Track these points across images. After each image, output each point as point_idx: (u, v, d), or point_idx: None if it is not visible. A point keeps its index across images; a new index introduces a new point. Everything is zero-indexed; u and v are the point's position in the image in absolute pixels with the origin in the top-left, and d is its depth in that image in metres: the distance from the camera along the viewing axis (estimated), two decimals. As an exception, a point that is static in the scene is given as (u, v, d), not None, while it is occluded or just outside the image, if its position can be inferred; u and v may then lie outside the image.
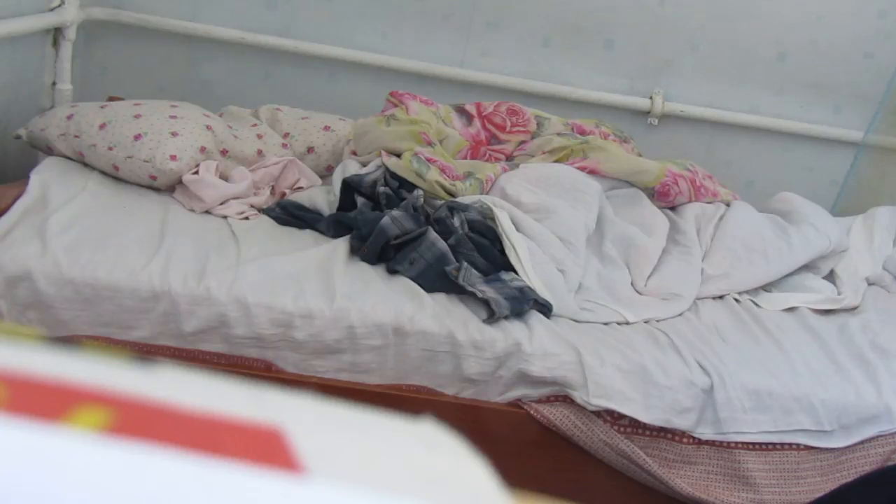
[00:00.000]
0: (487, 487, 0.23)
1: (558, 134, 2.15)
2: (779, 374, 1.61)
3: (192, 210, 1.78)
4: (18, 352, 0.22)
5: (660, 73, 2.54)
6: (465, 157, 2.09)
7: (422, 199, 1.80)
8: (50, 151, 1.89)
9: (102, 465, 0.18)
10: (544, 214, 1.83)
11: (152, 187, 1.82)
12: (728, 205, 2.13)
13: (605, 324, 1.69)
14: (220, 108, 2.13)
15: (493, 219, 1.77)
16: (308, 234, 1.77)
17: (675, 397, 1.53)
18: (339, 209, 1.83)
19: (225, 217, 1.78)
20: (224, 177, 1.87)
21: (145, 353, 1.48)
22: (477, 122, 2.19)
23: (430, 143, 1.95)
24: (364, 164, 1.94)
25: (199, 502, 0.18)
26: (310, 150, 2.06)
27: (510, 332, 1.54)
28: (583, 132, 2.19)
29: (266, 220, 1.80)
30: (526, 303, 1.59)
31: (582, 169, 1.98)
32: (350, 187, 1.83)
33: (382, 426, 0.24)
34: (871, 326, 1.82)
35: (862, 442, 1.60)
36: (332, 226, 1.78)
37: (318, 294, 1.52)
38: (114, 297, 1.47)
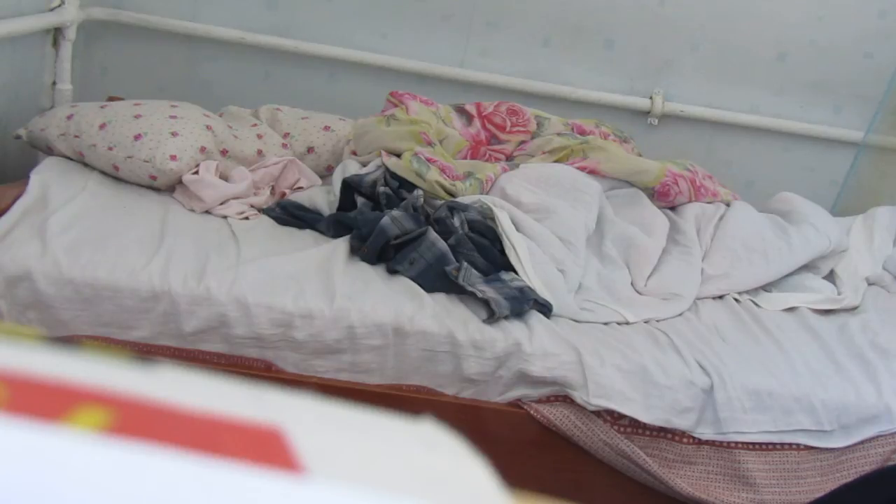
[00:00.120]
0: (487, 487, 0.23)
1: (558, 134, 2.15)
2: (779, 374, 1.61)
3: (192, 210, 1.78)
4: (18, 352, 0.22)
5: (660, 73, 2.54)
6: (465, 157, 2.09)
7: (422, 199, 1.80)
8: (50, 151, 1.89)
9: (102, 465, 0.18)
10: (544, 214, 1.83)
11: (152, 187, 1.82)
12: (728, 205, 2.13)
13: (605, 324, 1.69)
14: (220, 108, 2.13)
15: (493, 219, 1.77)
16: (308, 234, 1.77)
17: (675, 397, 1.53)
18: (339, 209, 1.83)
19: (225, 217, 1.78)
20: (224, 177, 1.87)
21: (145, 353, 1.48)
22: (477, 122, 2.19)
23: (430, 143, 1.95)
24: (364, 164, 1.94)
25: (199, 502, 0.18)
26: (310, 150, 2.06)
27: (510, 332, 1.54)
28: (583, 132, 2.19)
29: (266, 220, 1.80)
30: (526, 303, 1.59)
31: (582, 169, 1.98)
32: (350, 187, 1.83)
33: (382, 426, 0.24)
34: (871, 326, 1.82)
35: (862, 442, 1.60)
36: (332, 226, 1.78)
37: (318, 294, 1.52)
38: (114, 297, 1.47)
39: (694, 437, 1.56)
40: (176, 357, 1.49)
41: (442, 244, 1.65)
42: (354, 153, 2.02)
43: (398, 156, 1.89)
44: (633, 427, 1.55)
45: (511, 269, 1.69)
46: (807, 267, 2.04)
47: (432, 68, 2.46)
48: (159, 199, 1.79)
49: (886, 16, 2.49)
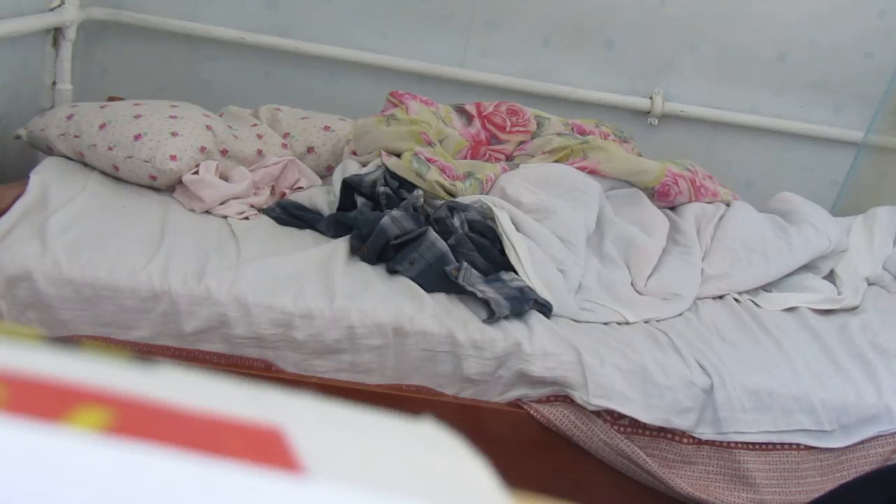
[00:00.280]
0: (487, 487, 0.23)
1: (558, 134, 2.15)
2: (779, 374, 1.61)
3: (192, 210, 1.78)
4: (18, 352, 0.22)
5: (660, 73, 2.54)
6: (465, 157, 2.09)
7: (422, 199, 1.80)
8: (50, 151, 1.89)
9: (102, 465, 0.18)
10: (544, 214, 1.83)
11: (152, 187, 1.82)
12: (728, 205, 2.13)
13: (605, 324, 1.69)
14: (220, 108, 2.13)
15: (493, 219, 1.77)
16: (308, 234, 1.77)
17: (675, 397, 1.53)
18: (339, 209, 1.83)
19: (225, 217, 1.78)
20: (224, 177, 1.87)
21: (145, 353, 1.48)
22: (477, 122, 2.19)
23: (430, 143, 1.95)
24: (364, 164, 1.94)
25: (199, 502, 0.18)
26: (310, 150, 2.06)
27: (510, 332, 1.54)
28: (583, 132, 2.19)
29: (266, 220, 1.80)
30: (526, 303, 1.59)
31: (582, 169, 1.98)
32: (350, 187, 1.83)
33: (382, 426, 0.24)
34: (871, 326, 1.82)
35: (862, 442, 1.60)
36: (332, 226, 1.78)
37: (318, 294, 1.52)
38: (114, 297, 1.47)
39: (694, 437, 1.56)
40: (176, 357, 1.49)
41: (442, 244, 1.65)
42: (354, 153, 2.02)
43: (398, 156, 1.89)
44: (633, 427, 1.55)
45: (511, 269, 1.69)
46: (807, 267, 2.04)
47: (432, 68, 2.46)
48: (159, 199, 1.79)
49: (886, 16, 2.49)
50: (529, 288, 1.63)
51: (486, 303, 1.56)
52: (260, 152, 1.97)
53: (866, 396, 1.61)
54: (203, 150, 1.83)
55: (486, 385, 1.55)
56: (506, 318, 1.56)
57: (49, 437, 0.19)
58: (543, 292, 1.65)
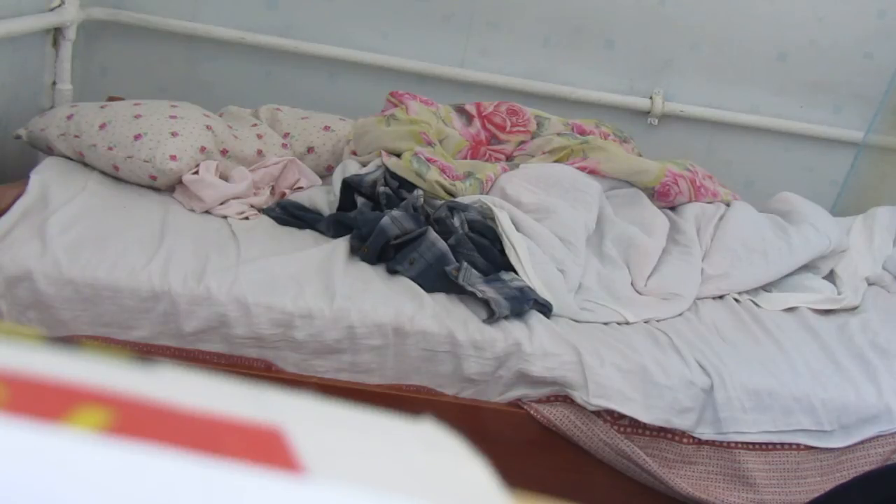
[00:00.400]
0: (487, 487, 0.23)
1: (558, 134, 2.15)
2: (779, 374, 1.61)
3: (192, 210, 1.78)
4: (18, 352, 0.22)
5: (660, 73, 2.54)
6: (465, 157, 2.09)
7: (422, 199, 1.80)
8: (50, 151, 1.89)
9: (102, 465, 0.18)
10: (544, 214, 1.83)
11: (152, 187, 1.82)
12: (728, 205, 2.13)
13: (605, 324, 1.69)
14: (220, 108, 2.13)
15: (493, 219, 1.77)
16: (308, 234, 1.77)
17: (674, 397, 1.53)
18: (339, 209, 1.83)
19: (225, 217, 1.78)
20: (224, 177, 1.87)
21: (145, 353, 1.48)
22: (477, 122, 2.19)
23: (430, 143, 1.95)
24: (364, 164, 1.94)
25: (199, 502, 0.18)
26: (310, 150, 2.06)
27: (510, 332, 1.54)
28: (583, 132, 2.19)
29: (266, 220, 1.80)
30: (526, 303, 1.59)
31: (582, 169, 1.98)
32: (350, 187, 1.83)
33: (382, 426, 0.24)
34: (871, 326, 1.82)
35: (862, 442, 1.60)
36: (332, 226, 1.78)
37: (318, 294, 1.52)
38: (114, 297, 1.47)
39: (694, 437, 1.56)
40: (176, 357, 1.49)
41: (442, 244, 1.65)
42: (354, 153, 2.02)
43: (398, 156, 1.89)
44: (633, 427, 1.55)
45: (511, 269, 1.69)
46: (807, 267, 2.04)
47: (432, 68, 2.46)
48: (159, 199, 1.79)
49: (886, 16, 2.49)
50: (529, 288, 1.63)
51: (486, 303, 1.56)
52: (260, 152, 1.97)
53: (866, 396, 1.61)
54: (203, 150, 1.83)
55: (486, 385, 1.55)
56: (506, 318, 1.56)
57: (49, 437, 0.19)
58: (543, 292, 1.65)
